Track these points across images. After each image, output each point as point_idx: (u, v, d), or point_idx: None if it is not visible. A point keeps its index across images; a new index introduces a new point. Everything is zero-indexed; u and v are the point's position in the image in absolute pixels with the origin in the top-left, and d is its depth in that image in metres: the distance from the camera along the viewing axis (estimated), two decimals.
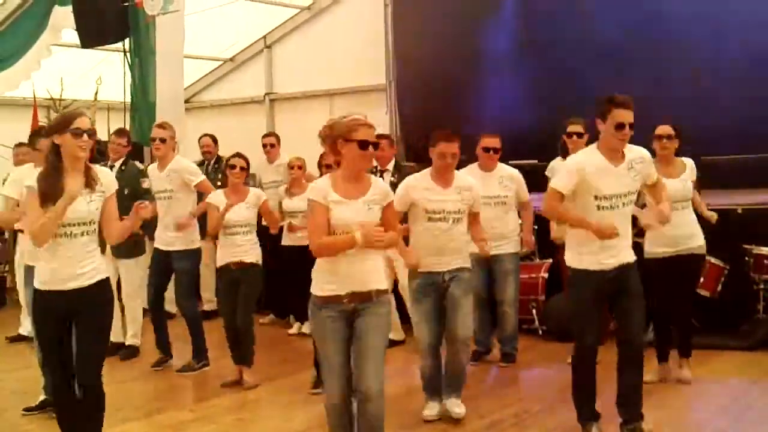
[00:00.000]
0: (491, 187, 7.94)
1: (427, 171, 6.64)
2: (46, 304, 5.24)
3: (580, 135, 7.80)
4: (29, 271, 6.78)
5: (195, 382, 8.17)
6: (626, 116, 5.60)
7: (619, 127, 5.59)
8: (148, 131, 10.91)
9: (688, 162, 7.36)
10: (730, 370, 7.85)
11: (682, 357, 7.51)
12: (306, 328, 9.73)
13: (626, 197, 5.74)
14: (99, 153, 8.18)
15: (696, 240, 7.33)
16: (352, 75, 13.63)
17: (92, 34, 11.44)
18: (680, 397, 7.21)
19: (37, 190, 5.10)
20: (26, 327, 9.56)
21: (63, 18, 11.32)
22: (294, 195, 9.75)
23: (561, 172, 5.98)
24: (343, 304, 5.03)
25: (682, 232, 7.19)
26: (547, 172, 8.20)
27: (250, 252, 7.86)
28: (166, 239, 8.44)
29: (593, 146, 5.81)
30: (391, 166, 8.98)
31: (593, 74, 10.40)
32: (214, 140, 11.38)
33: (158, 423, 6.69)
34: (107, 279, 5.37)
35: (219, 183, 10.26)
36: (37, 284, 5.27)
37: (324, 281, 5.09)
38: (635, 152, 5.80)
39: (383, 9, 13.15)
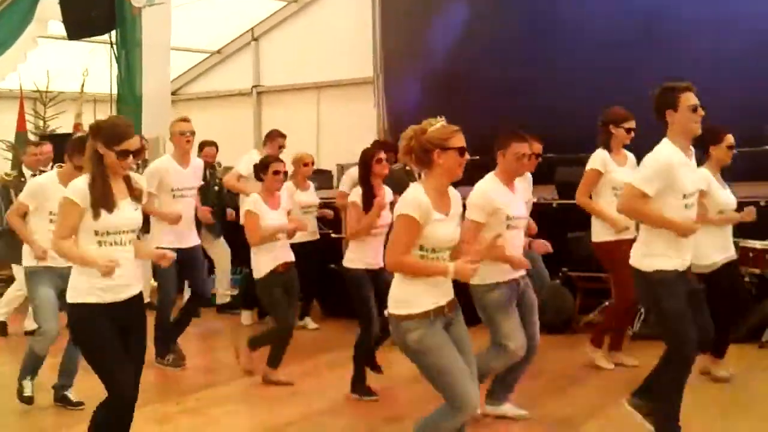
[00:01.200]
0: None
1: (492, 175, 6.20)
2: (103, 317, 4.91)
3: (629, 131, 7.64)
4: (35, 274, 6.82)
5: (181, 375, 8.15)
6: (696, 98, 5.46)
7: (695, 108, 5.43)
8: (134, 124, 10.89)
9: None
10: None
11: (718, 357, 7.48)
12: (311, 324, 9.78)
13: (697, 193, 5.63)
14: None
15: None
16: (340, 68, 13.65)
17: (79, 26, 11.38)
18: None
19: (82, 203, 4.82)
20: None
21: (49, 10, 11.26)
22: (305, 190, 9.64)
23: (649, 172, 5.49)
24: (445, 315, 4.80)
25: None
26: (591, 164, 7.76)
27: (289, 252, 7.70)
28: (191, 237, 8.28)
29: (666, 141, 5.51)
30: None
31: (586, 67, 10.46)
32: (217, 148, 11.17)
33: (144, 416, 6.63)
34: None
35: (217, 188, 10.54)
36: (83, 298, 4.91)
37: (424, 294, 4.76)
38: None
39: (371, 1, 13.15)
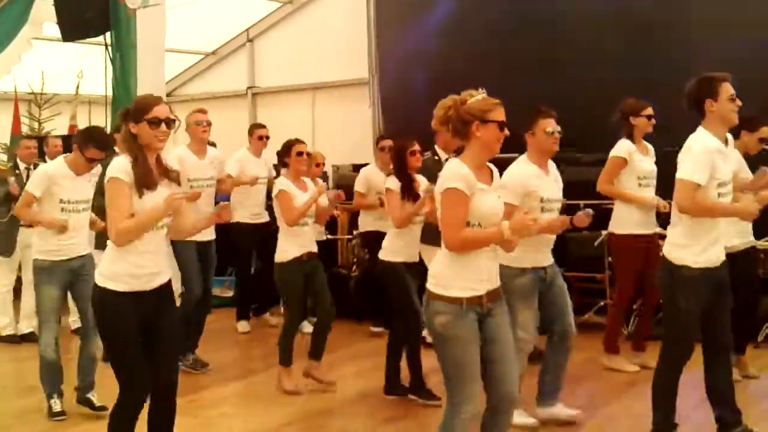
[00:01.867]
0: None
1: (524, 157, 6.10)
2: (129, 307, 4.76)
3: (649, 117, 7.63)
4: (43, 270, 6.70)
5: None
6: (733, 88, 5.43)
7: (733, 98, 5.40)
8: None
9: None
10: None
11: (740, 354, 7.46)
12: (308, 327, 9.59)
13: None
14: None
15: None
16: (335, 69, 13.64)
17: (73, 28, 11.35)
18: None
19: (128, 180, 4.68)
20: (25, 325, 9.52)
21: (44, 11, 11.24)
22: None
23: (693, 162, 5.35)
24: (482, 306, 4.60)
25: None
26: (616, 152, 7.68)
27: (314, 243, 7.56)
28: (208, 231, 8.02)
29: (702, 129, 5.45)
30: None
31: (579, 65, 10.47)
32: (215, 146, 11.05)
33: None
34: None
35: None
36: (111, 283, 4.77)
37: (462, 279, 4.56)
38: None
39: (366, 2, 13.15)
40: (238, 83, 15.01)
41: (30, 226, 8.93)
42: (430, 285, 4.63)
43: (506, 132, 4.59)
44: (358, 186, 9.46)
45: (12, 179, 9.10)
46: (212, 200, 8.23)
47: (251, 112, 14.80)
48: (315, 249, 7.50)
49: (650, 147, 7.75)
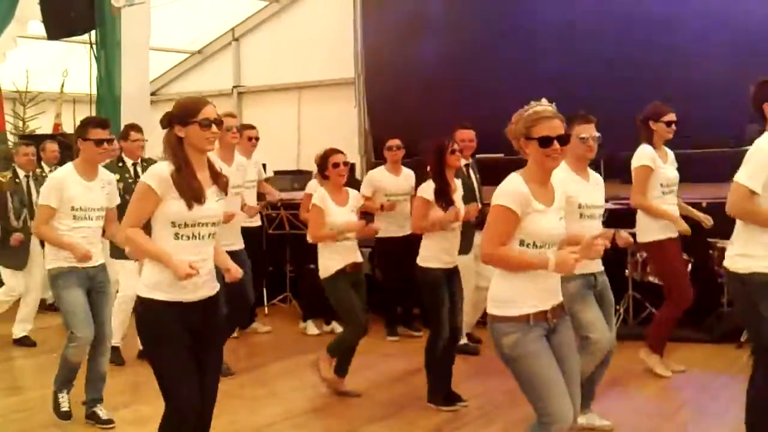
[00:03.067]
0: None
1: (564, 164, 5.46)
2: (171, 317, 4.51)
3: (669, 124, 7.43)
4: (60, 276, 6.47)
5: None
6: None
7: None
8: (114, 124, 10.86)
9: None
10: (695, 363, 7.90)
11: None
12: (312, 329, 9.62)
13: None
14: (67, 147, 7.96)
15: None
16: (321, 68, 13.64)
17: (58, 26, 11.34)
18: (644, 389, 7.27)
19: (159, 188, 4.43)
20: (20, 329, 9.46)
21: (29, 10, 11.22)
22: None
23: (751, 167, 5.07)
24: (548, 321, 4.45)
25: None
26: (640, 161, 7.47)
27: (358, 253, 7.32)
28: (230, 239, 7.44)
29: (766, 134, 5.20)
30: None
31: (566, 69, 10.48)
32: None
33: (122, 418, 6.65)
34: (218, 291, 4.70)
35: None
36: (150, 293, 4.51)
37: (524, 295, 4.41)
38: None
39: (352, 2, 13.14)
40: (224, 82, 14.99)
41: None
42: (491, 308, 4.50)
43: (555, 146, 4.37)
44: (364, 189, 9.13)
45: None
46: (234, 207, 7.71)
47: (237, 112, 14.74)
48: (359, 259, 7.28)
49: (670, 153, 7.56)
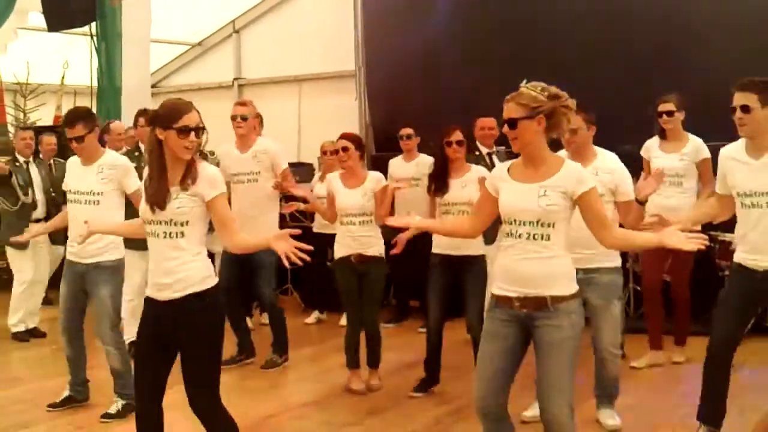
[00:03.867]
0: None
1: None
2: (148, 314, 4.64)
3: (670, 114, 7.49)
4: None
5: None
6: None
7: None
8: (114, 116, 10.88)
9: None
10: (696, 356, 7.87)
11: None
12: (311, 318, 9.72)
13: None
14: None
15: None
16: (322, 60, 13.62)
17: (59, 18, 11.33)
18: (647, 383, 7.27)
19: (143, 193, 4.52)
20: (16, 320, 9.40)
21: (30, 1, 11.21)
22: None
23: None
24: (513, 308, 4.39)
25: None
26: (642, 153, 7.73)
27: (375, 244, 7.08)
28: (247, 229, 7.43)
29: None
30: (501, 147, 8.26)
31: (567, 61, 10.46)
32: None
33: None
34: (205, 293, 4.54)
35: None
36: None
37: (496, 277, 4.50)
38: None
39: None
40: (225, 74, 14.96)
41: (38, 220, 8.94)
42: None
43: (506, 129, 4.39)
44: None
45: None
46: (252, 196, 7.79)
47: None
48: (371, 252, 7.08)
49: (691, 142, 7.54)
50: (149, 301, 4.60)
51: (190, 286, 4.47)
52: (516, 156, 4.53)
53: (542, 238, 4.29)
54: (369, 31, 12.89)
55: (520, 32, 11.18)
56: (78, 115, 6.54)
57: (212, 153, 8.44)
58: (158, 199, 4.43)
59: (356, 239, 7.04)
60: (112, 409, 6.60)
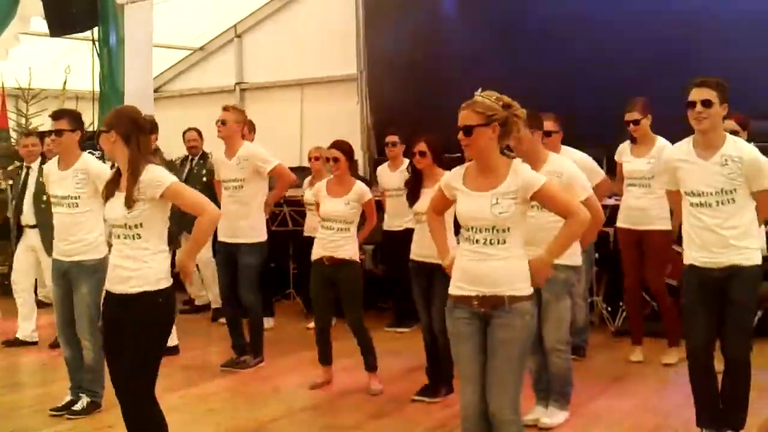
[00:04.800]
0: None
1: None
2: (106, 305, 5.03)
3: (636, 122, 7.68)
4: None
5: (165, 373, 8.10)
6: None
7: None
8: None
9: None
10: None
11: None
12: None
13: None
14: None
15: None
16: (323, 65, 13.63)
17: (61, 23, 11.32)
18: (646, 385, 7.27)
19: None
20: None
21: (31, 6, 11.21)
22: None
23: None
24: (473, 306, 4.55)
25: None
26: (615, 157, 8.09)
27: (345, 247, 7.22)
28: (232, 231, 7.97)
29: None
30: None
31: (569, 65, 10.48)
32: (200, 134, 10.79)
33: None
34: (154, 294, 4.81)
35: (204, 179, 10.08)
36: None
37: (455, 276, 4.65)
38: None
39: None
40: (226, 79, 14.98)
41: (35, 227, 8.95)
42: None
43: (461, 136, 4.54)
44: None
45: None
46: (240, 202, 7.99)
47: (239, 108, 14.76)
48: (341, 254, 7.21)
49: (657, 145, 7.66)
50: (108, 293, 4.95)
51: (145, 284, 4.77)
52: None
53: (498, 242, 4.47)
54: (370, 35, 12.91)
55: (523, 35, 11.19)
56: (66, 112, 6.93)
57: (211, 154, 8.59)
58: (106, 193, 4.92)
59: (330, 242, 7.24)
60: (78, 406, 6.73)
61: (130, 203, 4.72)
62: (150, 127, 5.21)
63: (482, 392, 4.56)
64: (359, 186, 7.33)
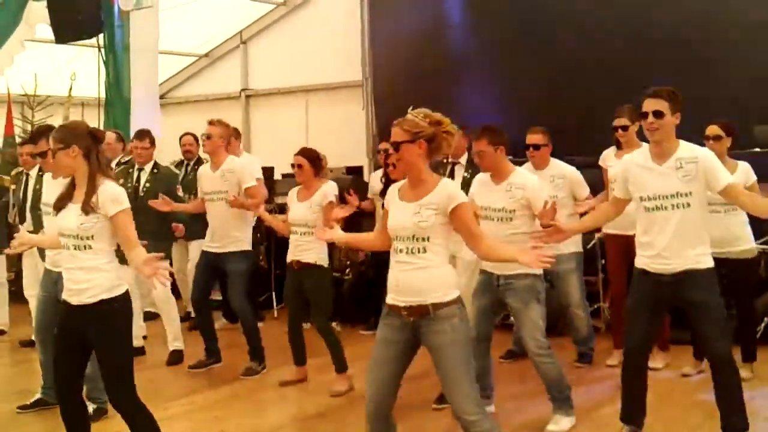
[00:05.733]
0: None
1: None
2: (63, 313, 5.15)
3: (625, 128, 7.70)
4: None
5: (170, 380, 8.13)
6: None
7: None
8: (123, 128, 10.89)
9: (742, 165, 7.23)
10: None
11: (744, 361, 7.46)
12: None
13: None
14: None
15: (740, 244, 7.30)
16: (329, 71, 13.64)
17: (67, 30, 11.35)
18: (656, 391, 7.22)
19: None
20: None
21: (37, 13, 11.23)
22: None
23: None
24: (402, 316, 4.74)
25: (723, 237, 7.05)
26: (600, 162, 8.16)
27: (310, 252, 7.46)
28: (217, 242, 8.14)
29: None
30: (464, 159, 8.08)
31: (572, 73, 10.47)
32: (196, 139, 10.58)
33: None
34: (110, 301, 4.99)
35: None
36: None
37: (389, 285, 4.85)
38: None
39: (359, 4, 13.15)
40: (232, 85, 15.00)
41: (32, 233, 8.96)
42: None
43: (391, 151, 4.81)
44: (369, 192, 9.85)
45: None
46: (224, 214, 8.08)
47: (245, 115, 14.78)
48: (307, 258, 7.48)
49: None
50: (64, 303, 5.07)
51: (101, 293, 4.94)
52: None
53: (418, 251, 4.67)
54: (376, 42, 12.91)
55: (529, 47, 11.18)
56: (41, 133, 7.04)
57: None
58: (58, 204, 5.07)
59: (296, 246, 7.55)
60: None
61: (87, 209, 4.90)
62: (103, 139, 5.33)
63: (383, 395, 4.79)
64: (322, 189, 7.54)
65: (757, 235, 7.83)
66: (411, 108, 4.84)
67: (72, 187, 5.05)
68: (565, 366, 7.98)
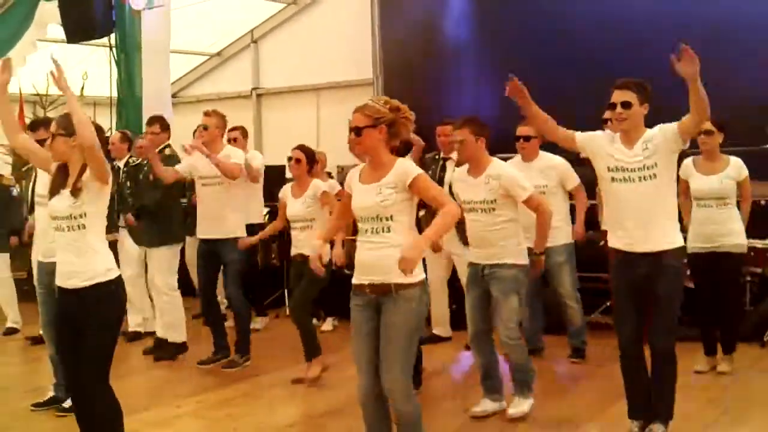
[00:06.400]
0: (532, 177, 7.20)
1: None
2: (58, 300, 5.19)
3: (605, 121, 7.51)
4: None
5: (182, 378, 8.14)
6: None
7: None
8: (135, 127, 10.92)
9: (734, 160, 7.30)
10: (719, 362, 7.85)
11: (724, 353, 7.60)
12: (326, 326, 10.00)
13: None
14: None
15: (732, 238, 7.31)
16: (339, 69, 13.66)
17: (78, 29, 11.40)
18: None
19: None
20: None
21: (49, 13, 11.28)
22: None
23: None
24: (367, 294, 4.90)
25: (714, 230, 7.17)
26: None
27: (309, 246, 7.39)
28: (214, 228, 8.21)
29: None
30: (455, 155, 8.02)
31: (587, 70, 10.46)
32: None
33: (144, 419, 6.66)
34: (106, 284, 5.07)
35: None
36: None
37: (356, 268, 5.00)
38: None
39: (370, 3, 13.15)
40: (243, 84, 15.03)
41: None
42: None
43: (353, 136, 4.98)
44: None
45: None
46: (219, 200, 8.18)
47: (256, 113, 14.81)
48: (307, 252, 7.33)
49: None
50: (59, 289, 5.11)
51: (96, 276, 5.01)
52: None
53: (383, 231, 4.81)
54: (387, 40, 12.92)
55: (540, 46, 11.17)
56: (40, 122, 7.13)
57: None
58: (51, 189, 5.13)
59: (298, 241, 7.75)
60: (66, 404, 6.69)
61: (76, 192, 4.98)
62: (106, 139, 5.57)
63: (375, 376, 4.89)
64: (314, 183, 7.77)
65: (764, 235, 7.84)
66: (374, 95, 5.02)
67: (65, 174, 5.11)
68: (561, 364, 8.05)
